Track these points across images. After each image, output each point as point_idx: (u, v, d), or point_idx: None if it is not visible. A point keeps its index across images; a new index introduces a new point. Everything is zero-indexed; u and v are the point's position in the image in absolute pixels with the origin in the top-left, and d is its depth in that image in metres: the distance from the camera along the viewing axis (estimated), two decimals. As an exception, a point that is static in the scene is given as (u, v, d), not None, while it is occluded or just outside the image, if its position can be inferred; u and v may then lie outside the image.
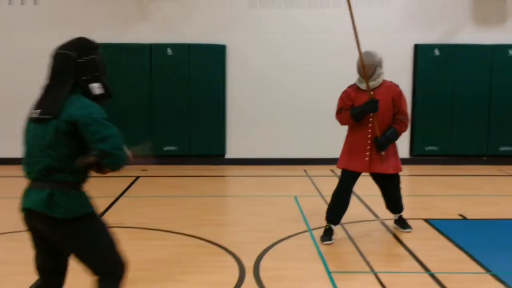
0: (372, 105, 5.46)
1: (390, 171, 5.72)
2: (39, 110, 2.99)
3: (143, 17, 10.42)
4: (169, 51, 10.25)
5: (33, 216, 2.99)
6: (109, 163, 2.92)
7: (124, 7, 10.36)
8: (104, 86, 3.14)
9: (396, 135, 5.67)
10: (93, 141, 2.89)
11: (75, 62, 3.04)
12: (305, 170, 9.95)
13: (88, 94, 3.07)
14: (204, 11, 10.43)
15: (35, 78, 10.32)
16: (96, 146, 2.88)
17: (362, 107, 5.50)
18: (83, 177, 3.05)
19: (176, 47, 10.28)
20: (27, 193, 3.03)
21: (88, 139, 2.90)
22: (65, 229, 2.96)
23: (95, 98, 3.08)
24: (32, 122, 3.02)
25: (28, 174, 3.02)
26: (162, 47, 10.21)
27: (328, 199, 5.92)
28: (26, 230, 3.14)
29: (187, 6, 10.42)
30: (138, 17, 10.42)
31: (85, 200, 3.06)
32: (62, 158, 2.94)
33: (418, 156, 10.55)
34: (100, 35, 10.29)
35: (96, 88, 3.09)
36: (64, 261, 3.17)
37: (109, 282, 3.08)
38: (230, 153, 10.66)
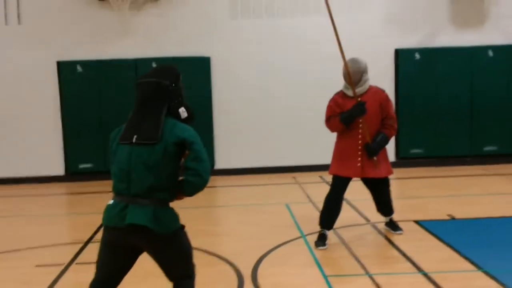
0: (360, 107, 5.56)
1: (383, 175, 5.85)
2: (136, 135, 3.25)
3: (126, 32, 10.47)
4: (154, 65, 10.32)
5: (133, 232, 3.20)
6: (193, 183, 3.24)
7: (107, 23, 10.39)
8: (187, 110, 3.40)
9: (386, 140, 5.79)
10: (190, 159, 3.21)
11: (168, 90, 3.31)
12: (294, 178, 10.06)
13: (178, 118, 3.35)
14: (186, 24, 10.50)
15: (18, 95, 10.45)
16: (190, 164, 3.21)
17: (351, 111, 5.59)
18: (175, 196, 3.36)
19: (160, 60, 10.33)
20: (124, 209, 3.21)
21: (188, 157, 3.21)
22: (164, 243, 3.27)
23: (183, 121, 3.37)
24: (128, 145, 3.27)
25: (127, 190, 3.23)
26: (147, 61, 10.26)
27: (319, 205, 6.03)
28: (103, 245, 3.34)
29: (168, 19, 10.49)
30: (121, 32, 10.46)
31: (177, 216, 3.38)
32: (165, 177, 3.24)
33: (404, 159, 10.70)
34: (84, 52, 10.45)
35: (183, 112, 3.37)
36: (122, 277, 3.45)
37: (189, 283, 3.43)
38: (219, 164, 10.72)
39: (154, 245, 3.29)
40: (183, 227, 3.40)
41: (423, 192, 8.53)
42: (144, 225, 3.16)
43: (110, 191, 3.39)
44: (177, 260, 3.38)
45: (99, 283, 3.36)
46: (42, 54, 10.34)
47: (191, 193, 3.31)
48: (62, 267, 5.46)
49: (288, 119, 10.67)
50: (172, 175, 3.27)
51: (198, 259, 5.57)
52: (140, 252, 3.39)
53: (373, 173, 5.78)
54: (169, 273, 3.42)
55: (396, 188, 8.67)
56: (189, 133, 3.27)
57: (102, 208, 3.38)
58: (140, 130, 3.26)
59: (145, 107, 3.32)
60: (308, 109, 10.23)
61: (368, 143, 5.67)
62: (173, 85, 3.35)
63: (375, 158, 5.71)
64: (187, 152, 3.23)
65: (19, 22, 10.35)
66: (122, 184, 3.26)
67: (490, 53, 10.58)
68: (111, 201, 3.32)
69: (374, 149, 5.68)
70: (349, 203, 7.43)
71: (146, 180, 3.20)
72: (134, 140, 3.26)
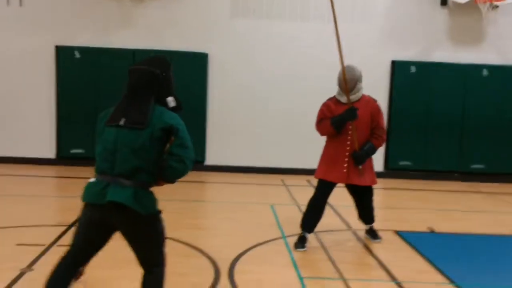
0: (351, 112, 5.64)
1: (367, 183, 5.94)
2: (124, 119, 3.36)
3: (127, 22, 10.54)
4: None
5: (113, 209, 3.30)
6: (176, 168, 3.32)
7: (108, 12, 10.47)
8: (176, 99, 3.51)
9: (374, 150, 5.87)
10: (175, 145, 3.31)
11: (158, 78, 3.44)
12: (282, 180, 10.14)
13: (166, 106, 3.46)
14: (186, 19, 10.58)
15: (15, 76, 10.51)
16: (175, 150, 3.31)
17: (343, 115, 5.67)
18: (155, 181, 3.43)
19: (158, 53, 10.38)
20: (105, 187, 3.32)
21: (173, 142, 3.31)
22: (141, 224, 3.38)
23: (173, 110, 3.48)
24: (115, 127, 3.38)
25: (110, 169, 3.34)
26: (144, 52, 10.31)
27: (303, 209, 6.11)
28: (81, 221, 3.45)
29: (170, 13, 10.57)
30: (121, 22, 10.53)
31: (156, 200, 3.48)
32: (148, 161, 3.34)
33: (392, 170, 10.81)
34: (83, 39, 10.50)
35: (171, 101, 3.48)
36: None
37: (161, 271, 3.53)
38: (209, 160, 10.81)
39: (131, 225, 3.38)
40: (161, 212, 3.49)
41: (407, 204, 8.64)
42: (124, 203, 3.25)
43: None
44: (151, 244, 3.47)
45: (72, 256, 3.47)
46: (41, 38, 10.40)
47: (172, 179, 3.40)
48: (43, 247, 5.52)
49: (281, 121, 10.76)
50: (156, 159, 3.37)
51: (178, 250, 5.71)
52: (114, 231, 3.48)
53: (357, 181, 5.87)
54: (141, 257, 3.49)
55: (381, 197, 8.78)
56: (176, 120, 3.38)
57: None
58: (128, 114, 3.37)
59: (136, 93, 3.43)
60: (301, 113, 10.32)
61: (355, 151, 5.76)
62: (164, 74, 3.48)
63: (360, 166, 5.80)
64: (172, 138, 3.33)
65: (20, 4, 10.39)
66: (105, 164, 3.36)
67: (485, 72, 10.71)
68: (92, 179, 3.42)
69: (361, 157, 5.77)
70: (332, 208, 7.52)
71: (130, 162, 3.31)
72: (122, 122, 3.36)
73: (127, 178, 3.31)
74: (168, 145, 3.37)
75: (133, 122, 3.35)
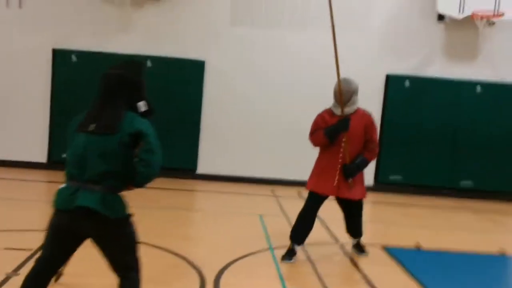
0: (344, 123, 5.68)
1: (357, 196, 5.96)
2: (94, 125, 3.40)
3: (125, 28, 10.55)
4: (149, 63, 10.42)
5: (81, 215, 3.32)
6: (144, 173, 3.36)
7: (107, 16, 10.48)
8: (147, 104, 3.55)
9: (365, 163, 5.89)
10: (143, 150, 3.35)
11: (130, 83, 3.49)
12: (272, 191, 10.16)
13: (136, 111, 3.49)
14: (185, 26, 10.60)
15: (11, 77, 10.50)
16: (143, 155, 3.36)
17: (336, 125, 5.71)
18: (125, 185, 3.47)
19: (156, 59, 10.45)
20: (74, 193, 3.35)
21: (141, 148, 3.35)
22: (111, 228, 3.40)
23: (141, 115, 3.51)
24: (85, 133, 3.41)
25: (80, 175, 3.37)
26: (142, 58, 10.29)
27: (292, 221, 6.13)
28: (50, 228, 3.45)
29: (169, 18, 10.58)
30: (120, 27, 10.53)
31: (126, 204, 3.51)
32: (118, 166, 3.37)
33: (382, 184, 10.85)
34: (81, 43, 10.51)
35: (142, 106, 3.52)
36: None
37: (136, 276, 3.52)
38: (201, 169, 10.82)
39: (100, 230, 3.40)
40: (131, 215, 3.52)
41: (395, 219, 8.68)
42: (92, 207, 3.28)
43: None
44: (122, 248, 3.49)
45: (44, 262, 3.49)
46: (39, 40, 10.39)
47: (140, 183, 3.44)
48: (30, 252, 5.51)
49: (275, 132, 10.76)
50: (125, 164, 3.40)
51: (165, 259, 5.73)
52: (84, 238, 3.50)
53: (347, 194, 5.89)
54: (114, 263, 3.50)
55: (370, 212, 8.81)
56: (145, 125, 3.42)
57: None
58: (99, 120, 3.41)
59: (107, 97, 3.48)
60: (295, 125, 10.30)
61: (346, 164, 5.79)
62: (136, 79, 3.53)
63: (350, 179, 5.82)
64: (141, 143, 3.37)
65: (20, 6, 10.41)
66: (75, 170, 3.40)
67: (479, 88, 10.77)
68: (62, 185, 3.46)
69: (352, 170, 5.80)
70: (322, 221, 7.54)
71: (99, 167, 3.35)
72: (92, 128, 3.40)
73: (97, 183, 3.35)
74: (136, 150, 3.39)
75: (103, 127, 3.39)
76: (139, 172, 3.36)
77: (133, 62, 3.67)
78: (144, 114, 3.52)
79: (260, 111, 10.78)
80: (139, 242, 3.58)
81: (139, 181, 3.41)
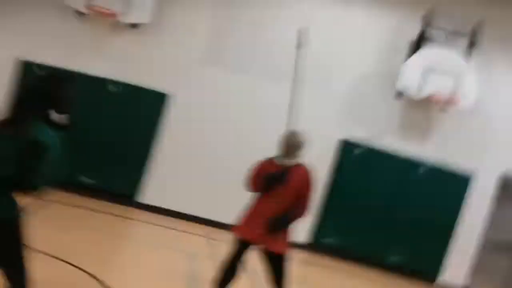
0: (282, 174, 5.74)
1: (279, 250, 5.91)
2: (4, 128, 3.46)
3: (97, 48, 10.61)
4: (111, 87, 10.48)
5: None
6: (31, 182, 3.41)
7: (82, 35, 10.52)
8: (65, 118, 3.59)
9: (293, 219, 5.88)
10: (37, 160, 3.38)
11: (46, 93, 3.54)
12: (209, 233, 10.16)
13: (50, 123, 3.53)
14: (158, 56, 10.72)
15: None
16: (34, 165, 3.39)
17: (274, 174, 5.75)
18: (14, 189, 3.49)
19: (118, 84, 10.51)
20: None
21: (36, 157, 3.38)
22: (6, 228, 3.47)
23: (57, 127, 3.54)
24: None
25: None
26: (104, 81, 10.36)
27: (219, 265, 6.11)
28: None
29: (143, 47, 10.68)
30: (92, 47, 10.59)
31: (16, 206, 3.54)
32: (10, 170, 3.39)
33: (315, 245, 10.95)
34: (49, 57, 10.12)
35: (57, 118, 3.55)
36: None
37: (22, 279, 3.56)
38: (145, 198, 10.80)
39: None
40: (20, 217, 3.56)
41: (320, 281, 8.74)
42: None
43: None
44: (7, 248, 3.54)
45: None
46: (5, 50, 10.32)
47: (27, 191, 3.48)
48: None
49: (223, 175, 10.73)
50: (18, 171, 3.41)
51: (83, 282, 5.67)
52: None
53: (270, 245, 5.85)
54: (10, 271, 3.55)
55: (298, 272, 8.84)
56: (46, 137, 3.44)
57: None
58: (6, 125, 3.49)
59: (21, 105, 3.54)
60: (243, 171, 10.37)
61: (273, 216, 5.79)
62: (55, 91, 3.57)
63: (274, 231, 5.81)
64: (36, 153, 3.40)
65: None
66: None
67: (422, 169, 11.09)
68: None
69: (279, 223, 5.80)
70: (248, 272, 7.54)
71: None
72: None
73: None
74: (31, 159, 3.42)
75: (5, 131, 3.47)
76: (27, 181, 3.42)
77: (56, 75, 3.75)
78: (58, 127, 3.56)
79: (213, 153, 10.87)
80: (24, 245, 3.60)
81: (26, 189, 3.47)
